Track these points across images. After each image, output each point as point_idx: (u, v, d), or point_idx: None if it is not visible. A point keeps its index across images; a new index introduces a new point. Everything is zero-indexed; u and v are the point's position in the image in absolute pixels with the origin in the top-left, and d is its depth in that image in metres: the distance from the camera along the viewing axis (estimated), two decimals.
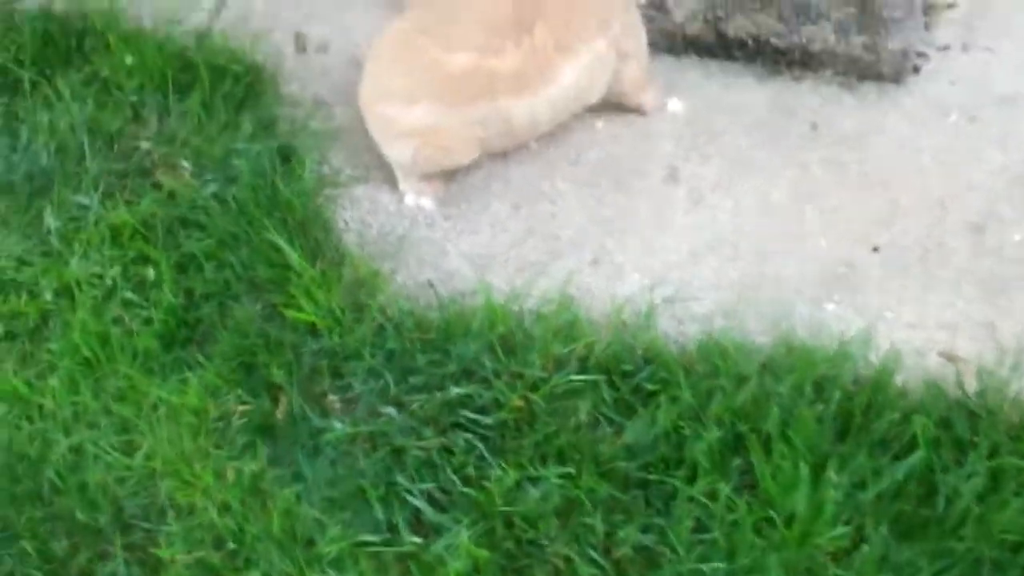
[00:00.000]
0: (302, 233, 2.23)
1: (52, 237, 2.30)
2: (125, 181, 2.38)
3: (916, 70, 2.45)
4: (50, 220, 2.31)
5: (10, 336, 2.21)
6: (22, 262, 2.28)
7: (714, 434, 1.90)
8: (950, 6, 2.52)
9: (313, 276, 2.13)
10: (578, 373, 2.03)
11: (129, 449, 2.05)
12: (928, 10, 2.53)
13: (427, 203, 2.34)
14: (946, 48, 2.49)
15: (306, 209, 2.25)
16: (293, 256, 2.15)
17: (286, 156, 2.38)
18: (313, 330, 2.13)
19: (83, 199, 2.34)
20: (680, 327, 2.14)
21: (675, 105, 2.44)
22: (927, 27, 2.51)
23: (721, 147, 2.37)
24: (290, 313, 2.11)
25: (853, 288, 2.17)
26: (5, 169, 2.41)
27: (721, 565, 1.79)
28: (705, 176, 2.34)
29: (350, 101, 2.48)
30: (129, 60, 2.46)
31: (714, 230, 2.27)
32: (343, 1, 2.70)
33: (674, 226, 2.28)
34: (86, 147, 2.42)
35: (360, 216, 2.33)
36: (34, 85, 2.53)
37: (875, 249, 2.22)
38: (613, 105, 2.40)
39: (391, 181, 2.37)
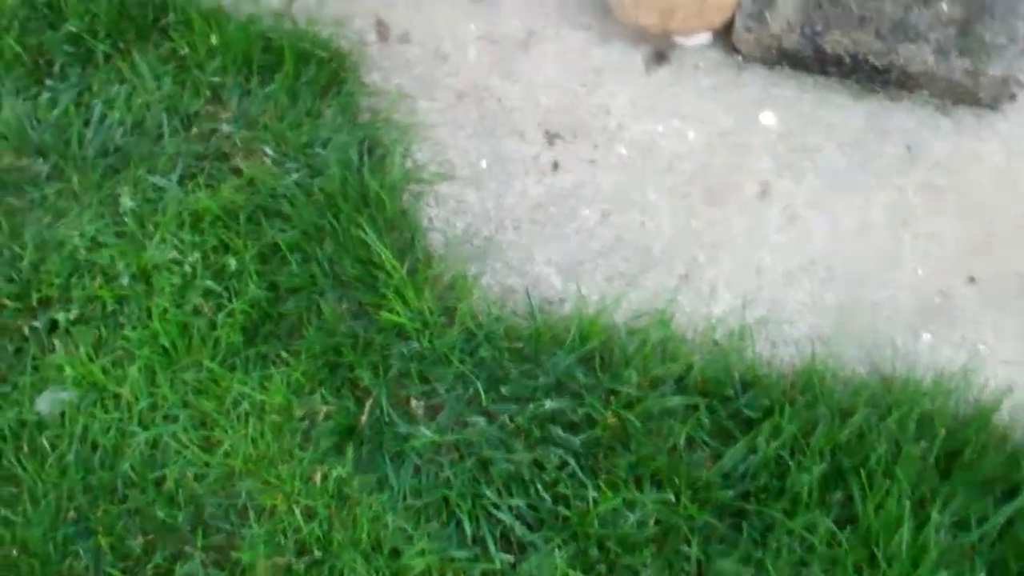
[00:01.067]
0: (390, 230, 2.17)
1: (127, 218, 2.23)
2: (203, 164, 2.31)
3: (1013, 97, 2.40)
4: (126, 200, 2.24)
5: (84, 319, 2.14)
6: (96, 242, 2.21)
7: (818, 467, 1.86)
8: None
9: (402, 276, 2.07)
10: (675, 394, 1.98)
11: (208, 446, 2.00)
12: None
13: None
14: None
15: (395, 206, 2.19)
16: (385, 254, 2.09)
17: (371, 148, 2.31)
18: (401, 332, 2.07)
19: (160, 180, 2.27)
20: (774, 350, 2.10)
21: (768, 118, 2.38)
22: None
23: (816, 164, 2.32)
24: (381, 315, 2.05)
25: (949, 319, 2.13)
26: (77, 143, 2.33)
27: None
28: (799, 193, 2.29)
29: (433, 95, 2.42)
30: (214, 40, 2.37)
31: (808, 250, 2.22)
32: None
33: (767, 243, 2.23)
34: (164, 126, 2.34)
35: (445, 215, 2.28)
36: (107, 58, 2.45)
37: (971, 279, 2.19)
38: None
39: (477, 180, 2.31)
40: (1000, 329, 2.12)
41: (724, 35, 2.47)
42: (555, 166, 2.34)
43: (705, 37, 2.48)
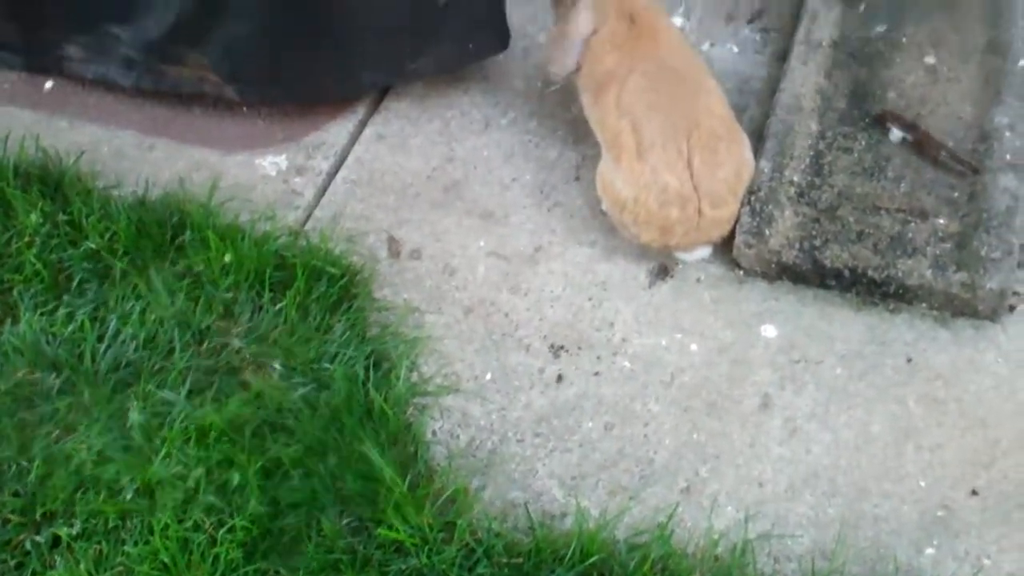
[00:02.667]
0: (393, 444, 2.19)
1: (135, 432, 2.26)
2: (213, 378, 2.35)
3: (1011, 309, 2.43)
4: (134, 414, 2.28)
5: (87, 534, 2.15)
6: (103, 456, 2.24)
7: None
8: None
9: (403, 492, 2.08)
10: None
11: None
12: (1021, 248, 2.51)
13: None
14: None
15: (399, 420, 2.22)
16: (386, 471, 2.10)
17: (377, 362, 2.35)
18: (400, 548, 2.07)
19: (169, 395, 2.32)
20: (776, 566, 2.08)
21: (769, 331, 2.41)
22: (1020, 265, 2.49)
23: (816, 377, 2.33)
24: (380, 531, 2.05)
25: (952, 533, 2.11)
26: (90, 357, 2.39)
27: None
28: (800, 406, 2.30)
29: (442, 308, 2.48)
30: (228, 258, 2.46)
31: (810, 463, 2.22)
32: (438, 206, 2.71)
33: (769, 456, 2.23)
34: (176, 341, 2.39)
35: (450, 428, 2.30)
36: (124, 274, 2.53)
37: (974, 492, 2.17)
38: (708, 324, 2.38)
39: (482, 392, 2.34)
40: (1004, 542, 2.09)
41: (724, 249, 2.52)
42: (559, 378, 2.37)
43: (705, 251, 2.54)
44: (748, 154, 2.53)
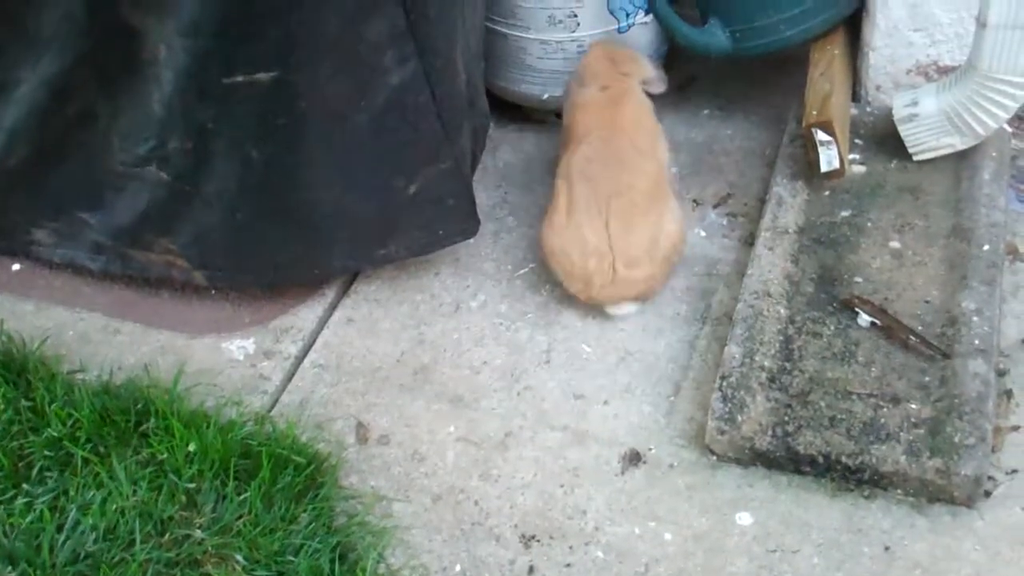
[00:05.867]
0: None
1: None
2: (174, 571, 2.28)
3: (987, 495, 2.40)
4: None
5: None
6: None
7: None
8: (1014, 428, 2.51)
9: None
10: None
11: None
12: (994, 432, 2.51)
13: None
14: (1014, 472, 2.45)
15: None
16: None
17: (343, 554, 2.29)
18: None
19: None
20: None
21: (744, 519, 2.38)
22: (994, 449, 2.48)
23: (794, 567, 2.29)
24: None
25: None
26: (48, 550, 2.31)
27: None
28: None
29: (410, 496, 2.43)
30: (191, 447, 2.41)
31: None
32: (407, 391, 2.69)
33: None
34: (136, 532, 2.33)
35: None
36: (86, 462, 2.48)
37: None
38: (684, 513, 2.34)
39: None
40: None
41: (697, 434, 2.50)
42: (531, 570, 2.32)
43: (630, 308, 2.79)
44: (671, 225, 2.78)
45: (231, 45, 2.41)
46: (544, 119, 3.31)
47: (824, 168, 2.84)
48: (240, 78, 2.42)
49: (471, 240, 2.95)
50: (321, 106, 2.48)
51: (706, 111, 3.40)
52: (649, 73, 3.01)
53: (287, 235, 2.72)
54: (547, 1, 3.03)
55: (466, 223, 2.82)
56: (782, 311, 2.64)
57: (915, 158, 2.93)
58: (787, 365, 2.54)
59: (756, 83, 3.26)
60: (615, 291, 2.77)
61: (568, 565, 2.32)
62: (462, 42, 2.57)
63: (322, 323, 2.88)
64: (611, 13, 3.08)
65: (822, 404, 2.47)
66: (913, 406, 2.46)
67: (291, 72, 2.43)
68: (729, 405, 2.46)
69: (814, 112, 2.81)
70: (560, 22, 3.07)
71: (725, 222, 3.04)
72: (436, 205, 2.71)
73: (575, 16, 3.05)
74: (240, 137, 2.55)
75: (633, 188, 2.79)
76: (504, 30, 3.15)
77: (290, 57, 2.40)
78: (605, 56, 3.01)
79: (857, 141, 3.03)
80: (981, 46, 2.69)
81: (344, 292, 2.96)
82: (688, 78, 3.44)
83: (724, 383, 2.49)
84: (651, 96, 2.99)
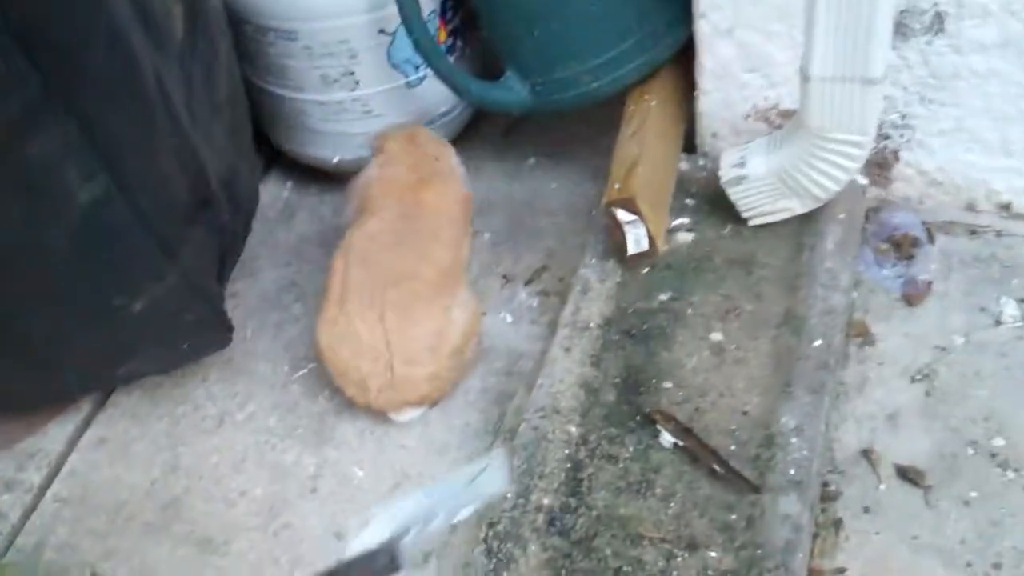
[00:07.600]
0: None
1: None
2: None
3: None
4: None
5: None
6: None
7: None
8: (839, 572, 2.12)
9: None
10: None
11: None
12: None
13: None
14: None
15: None
16: None
17: None
18: None
19: None
20: None
21: None
22: None
23: None
24: None
25: None
26: None
27: None
28: None
29: None
30: None
31: None
32: (152, 531, 2.34)
33: None
34: None
35: None
36: None
37: None
38: None
39: None
40: None
41: None
42: None
43: (415, 412, 2.42)
44: (462, 315, 2.39)
45: None
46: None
47: (632, 250, 2.42)
48: None
49: (249, 333, 2.59)
50: (10, 238, 2.09)
51: (532, 159, 2.97)
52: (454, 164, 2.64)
53: (11, 365, 2.34)
54: (317, 60, 2.60)
55: (216, 335, 2.44)
56: (573, 430, 2.25)
57: (750, 223, 2.51)
58: (572, 501, 2.16)
59: (592, 122, 2.81)
60: (394, 395, 2.38)
61: None
62: (177, 141, 2.16)
63: (72, 444, 2.52)
64: (394, 68, 2.65)
65: (608, 552, 2.10)
66: (713, 554, 2.07)
67: None
68: (494, 561, 2.09)
69: (616, 186, 2.39)
70: (336, 81, 2.65)
71: (536, 303, 2.63)
72: (173, 320, 2.32)
73: (352, 73, 2.63)
74: None
75: (417, 277, 2.41)
76: (280, 91, 2.74)
77: None
78: (406, 139, 2.64)
79: (688, 201, 2.60)
80: (808, 102, 2.26)
81: (101, 404, 2.59)
82: (515, 120, 3.00)
83: (491, 533, 2.12)
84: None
